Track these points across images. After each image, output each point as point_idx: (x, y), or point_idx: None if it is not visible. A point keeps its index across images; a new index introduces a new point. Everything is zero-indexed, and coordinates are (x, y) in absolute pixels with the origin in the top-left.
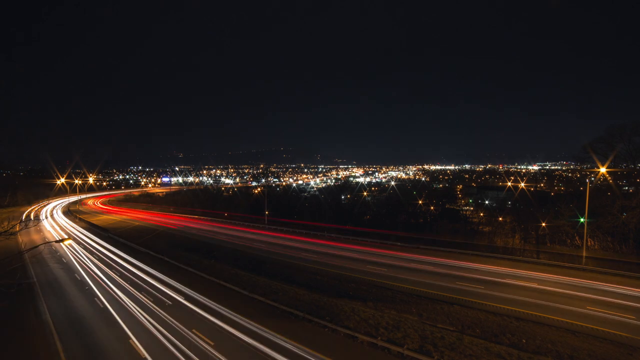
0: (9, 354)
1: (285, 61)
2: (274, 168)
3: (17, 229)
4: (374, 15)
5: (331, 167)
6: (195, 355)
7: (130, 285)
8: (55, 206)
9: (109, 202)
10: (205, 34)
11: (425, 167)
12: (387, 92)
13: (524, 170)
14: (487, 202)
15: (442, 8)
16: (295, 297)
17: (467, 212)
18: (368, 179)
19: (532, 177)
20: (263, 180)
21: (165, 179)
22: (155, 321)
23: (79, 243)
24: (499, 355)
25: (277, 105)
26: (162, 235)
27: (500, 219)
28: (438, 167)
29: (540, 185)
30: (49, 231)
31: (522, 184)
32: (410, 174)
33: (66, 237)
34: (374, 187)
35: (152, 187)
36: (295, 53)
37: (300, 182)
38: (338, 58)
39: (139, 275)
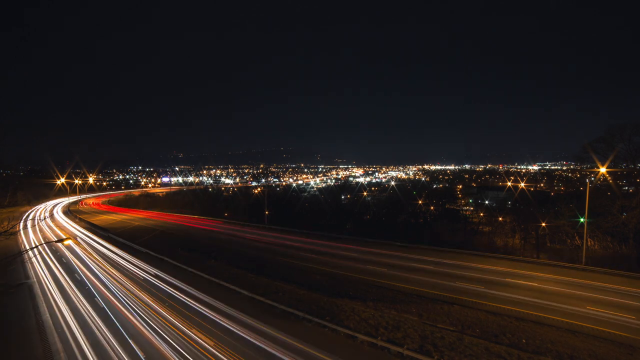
0: (8, 353)
1: (285, 61)
2: (274, 168)
3: (17, 229)
4: (371, 15)
5: (331, 167)
6: (196, 356)
7: (130, 285)
8: (55, 206)
9: (109, 202)
10: (205, 34)
11: (425, 167)
12: (387, 92)
13: (524, 170)
14: (487, 202)
15: (441, 8)
16: (296, 297)
17: (467, 212)
18: (368, 179)
19: (532, 177)
20: (263, 180)
21: (165, 179)
22: (155, 321)
23: (79, 243)
24: (499, 355)
25: (277, 105)
26: (162, 235)
27: (500, 219)
28: (438, 167)
29: (540, 185)
30: (48, 231)
31: (522, 184)
32: (410, 174)
33: (66, 237)
34: (374, 187)
35: (152, 187)
36: (295, 53)
37: (300, 182)
38: (338, 58)
39: (138, 276)
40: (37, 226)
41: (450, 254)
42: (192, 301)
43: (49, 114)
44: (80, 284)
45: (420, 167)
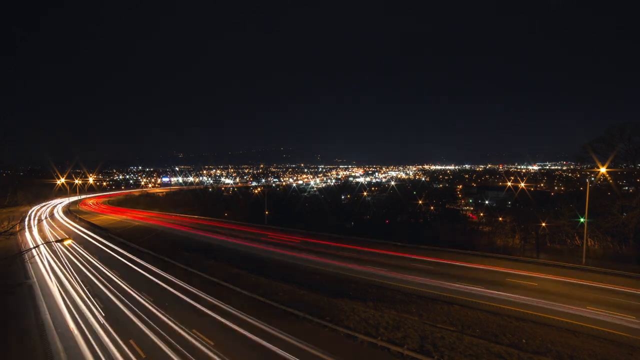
0: (9, 353)
1: (285, 62)
2: (274, 168)
3: (17, 229)
4: (371, 16)
5: (331, 167)
6: (195, 355)
7: (130, 286)
8: (55, 207)
9: (109, 202)
10: (205, 36)
11: (425, 167)
12: (387, 92)
13: (524, 170)
14: (487, 202)
15: (440, 9)
16: (296, 297)
17: (467, 212)
18: (368, 179)
19: (532, 177)
20: (263, 180)
21: (165, 179)
22: (155, 321)
23: (79, 243)
24: (499, 355)
25: (277, 106)
26: (162, 235)
27: (500, 218)
28: (438, 167)
29: (540, 185)
30: (48, 231)
31: (522, 184)
32: (410, 174)
33: (66, 236)
34: (374, 187)
35: (152, 187)
36: (295, 53)
37: (300, 182)
38: (338, 58)
39: (139, 276)
40: (37, 226)
41: (450, 254)
42: (191, 302)
43: (49, 114)
44: (80, 284)
45: (420, 167)
